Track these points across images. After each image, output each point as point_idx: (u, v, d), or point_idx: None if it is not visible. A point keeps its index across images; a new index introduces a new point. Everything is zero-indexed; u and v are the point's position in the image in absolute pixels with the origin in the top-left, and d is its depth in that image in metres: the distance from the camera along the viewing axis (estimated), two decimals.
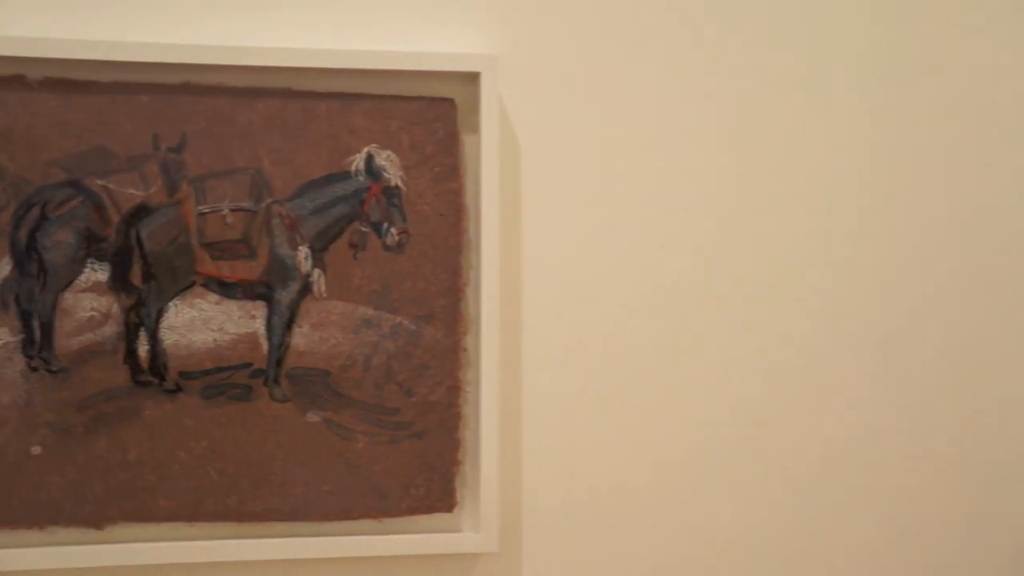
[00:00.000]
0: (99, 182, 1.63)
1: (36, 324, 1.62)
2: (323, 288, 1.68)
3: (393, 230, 1.69)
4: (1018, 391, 1.81)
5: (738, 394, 1.77)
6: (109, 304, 1.64)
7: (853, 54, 1.79)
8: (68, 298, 1.63)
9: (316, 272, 1.67)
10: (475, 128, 1.71)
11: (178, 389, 1.66)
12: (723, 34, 1.77)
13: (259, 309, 1.67)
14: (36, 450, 1.64)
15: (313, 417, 1.68)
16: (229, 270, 1.65)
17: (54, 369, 1.63)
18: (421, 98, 1.70)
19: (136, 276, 1.64)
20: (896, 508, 1.80)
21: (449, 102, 1.71)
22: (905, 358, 1.79)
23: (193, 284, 1.65)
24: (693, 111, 1.76)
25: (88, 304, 1.63)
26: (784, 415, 1.78)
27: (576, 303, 1.75)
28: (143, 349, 1.65)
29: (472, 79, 1.70)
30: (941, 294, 1.80)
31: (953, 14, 1.80)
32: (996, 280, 1.80)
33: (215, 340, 1.66)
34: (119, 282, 1.63)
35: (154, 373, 1.65)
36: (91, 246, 1.63)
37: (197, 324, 1.66)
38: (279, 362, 1.67)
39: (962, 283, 1.80)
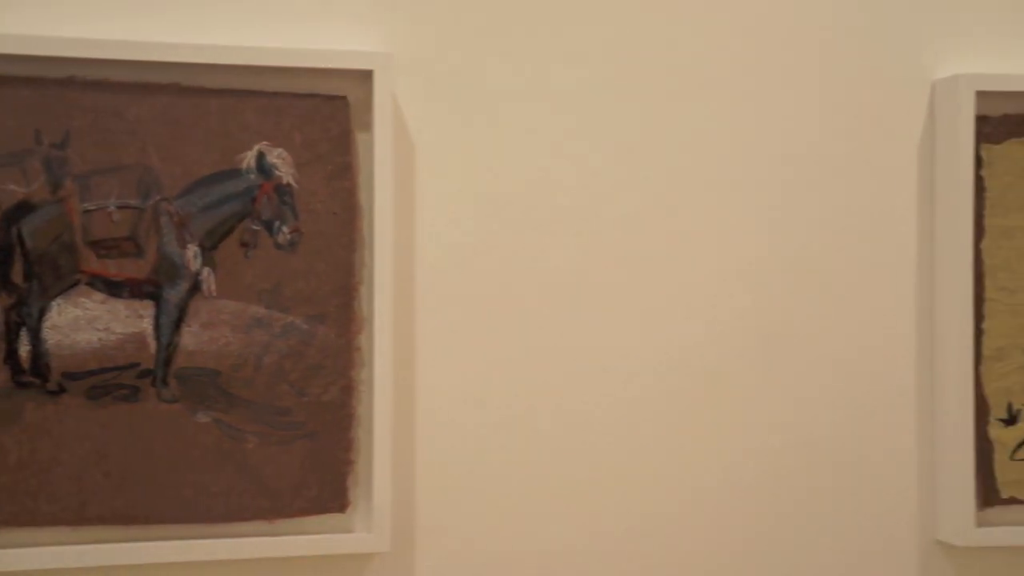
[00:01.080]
0: None
1: None
2: (213, 287, 1.62)
3: (285, 228, 1.64)
4: (894, 385, 1.80)
5: (627, 391, 1.76)
6: None
7: (738, 57, 1.77)
8: None
9: (206, 271, 1.62)
10: (369, 126, 1.67)
11: (61, 390, 1.59)
12: (616, 31, 1.75)
13: (147, 308, 1.61)
14: None
15: (202, 418, 1.63)
16: (116, 268, 1.59)
17: None
18: (314, 95, 1.65)
19: (17, 274, 1.57)
20: (777, 500, 1.79)
21: (342, 100, 1.66)
22: (786, 354, 1.78)
23: (78, 283, 1.58)
24: (586, 109, 1.74)
25: None
26: (669, 413, 1.77)
27: (470, 302, 1.72)
28: (24, 349, 1.58)
29: (366, 77, 1.66)
30: (823, 293, 1.79)
31: (829, 21, 1.78)
32: (875, 279, 1.80)
33: (100, 340, 1.59)
34: None
35: (36, 374, 1.58)
36: None
37: (82, 323, 1.59)
38: (167, 362, 1.61)
39: (843, 282, 1.80)
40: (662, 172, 1.76)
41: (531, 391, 1.73)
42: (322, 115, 1.65)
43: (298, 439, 1.65)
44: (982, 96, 1.76)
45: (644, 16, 1.75)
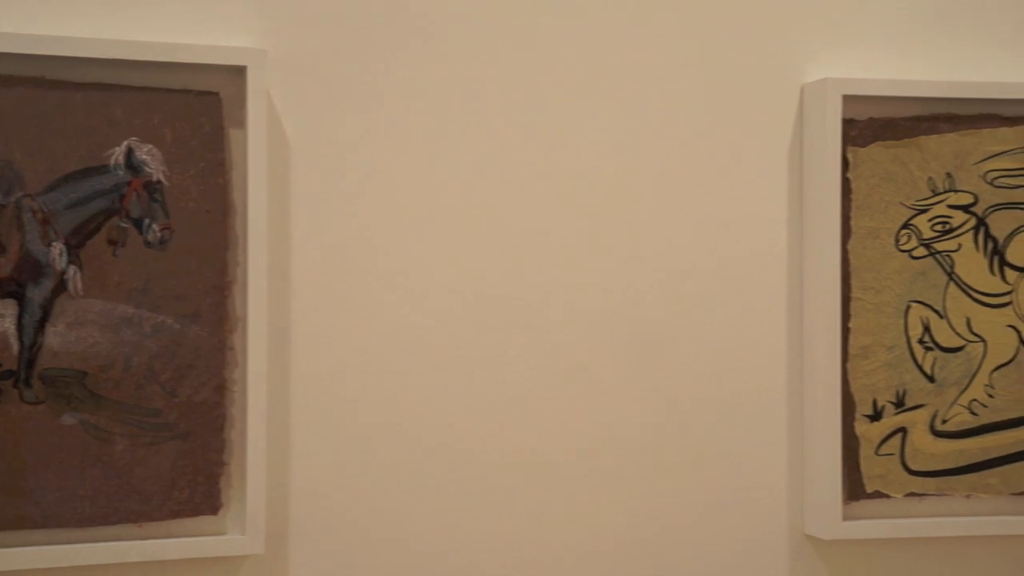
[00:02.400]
0: None
1: None
2: (80, 286, 1.55)
3: (155, 226, 1.58)
4: (764, 382, 1.80)
5: (502, 391, 1.73)
6: None
7: (613, 58, 1.76)
8: None
9: (72, 269, 1.55)
10: (242, 123, 1.61)
11: None
12: (493, 29, 1.72)
13: (9, 308, 1.53)
14: None
15: (68, 419, 1.55)
16: None
17: None
18: (185, 91, 1.59)
19: None
20: (650, 496, 1.78)
21: (214, 96, 1.60)
22: (658, 352, 1.77)
23: None
24: (462, 107, 1.71)
25: None
26: (543, 411, 1.74)
27: (346, 301, 1.68)
28: None
29: (239, 73, 1.60)
30: (695, 292, 1.78)
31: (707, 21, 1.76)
32: (746, 279, 1.79)
33: None
34: None
35: None
36: None
37: None
38: (31, 363, 1.53)
39: (715, 281, 1.79)
40: (537, 171, 1.73)
41: (406, 391, 1.69)
42: (193, 111, 1.59)
43: (169, 440, 1.59)
44: (849, 100, 1.76)
45: (521, 15, 1.72)
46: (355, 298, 1.68)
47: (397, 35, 1.68)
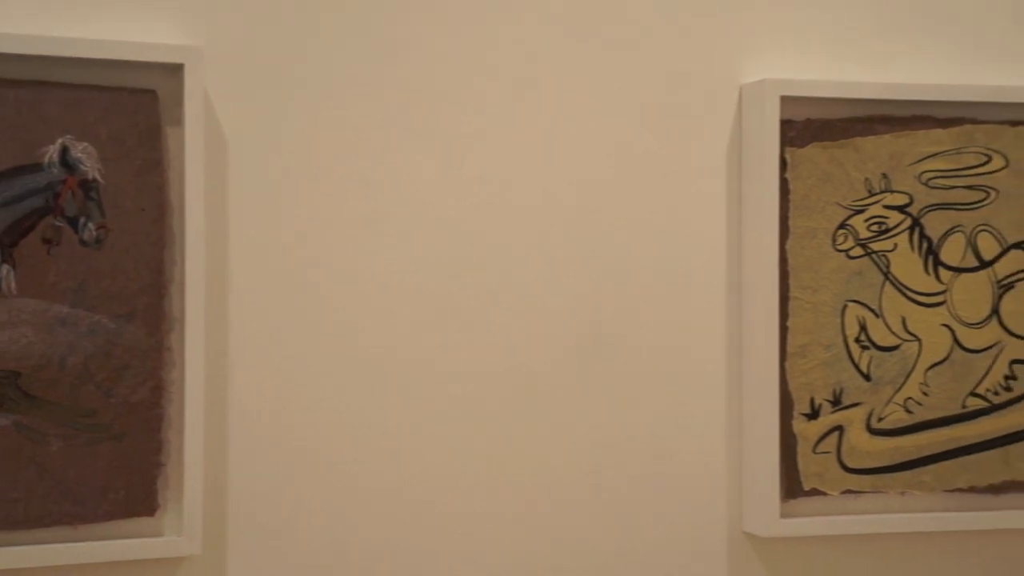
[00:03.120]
0: None
1: None
2: (13, 285, 1.52)
3: (91, 225, 1.54)
4: (704, 381, 1.79)
5: (445, 392, 1.71)
6: None
7: (552, 59, 1.74)
8: None
9: (5, 268, 1.51)
10: (179, 121, 1.58)
11: None
12: (433, 29, 1.70)
13: None
14: None
15: (1, 420, 1.52)
16: None
17: None
18: (121, 89, 1.56)
19: None
20: (591, 495, 1.77)
21: (151, 94, 1.57)
22: (599, 352, 1.76)
23: None
24: (403, 106, 1.69)
25: None
26: (487, 412, 1.73)
27: (285, 301, 1.65)
28: None
29: (175, 71, 1.57)
30: (635, 292, 1.77)
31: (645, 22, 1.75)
32: (686, 278, 1.79)
33: None
34: None
35: None
36: None
37: None
38: None
39: (655, 281, 1.78)
40: (480, 172, 1.72)
41: (347, 392, 1.67)
42: (129, 109, 1.56)
43: (105, 441, 1.56)
44: (787, 101, 1.76)
45: (463, 15, 1.71)
46: (294, 298, 1.65)
47: (336, 32, 1.66)
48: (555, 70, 1.74)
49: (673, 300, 1.78)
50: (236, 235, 1.63)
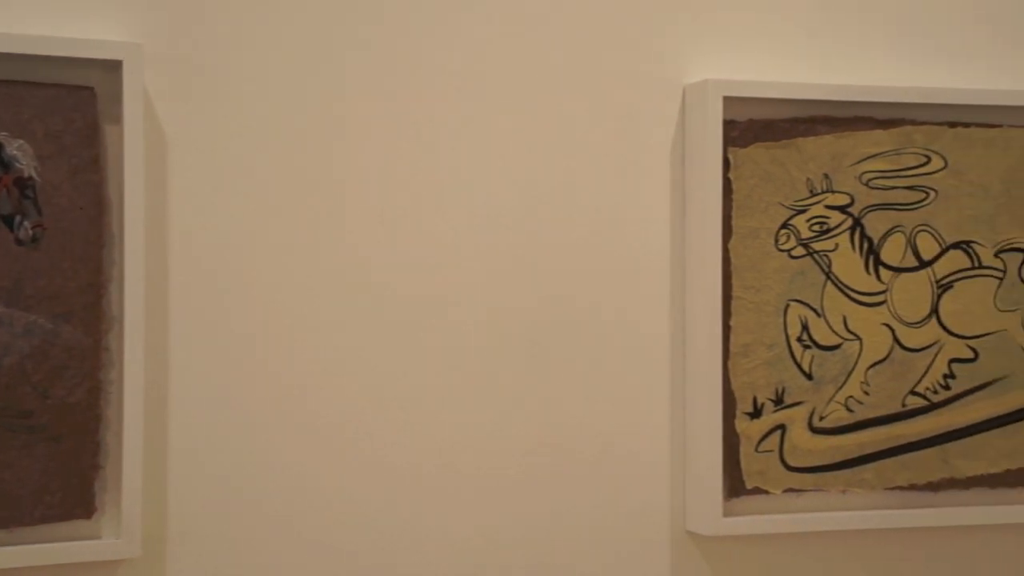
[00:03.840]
0: None
1: None
2: None
3: (27, 224, 1.51)
4: (648, 380, 1.78)
5: (390, 389, 1.69)
6: None
7: (496, 59, 1.73)
8: None
9: None
10: (118, 119, 1.55)
11: None
12: (376, 29, 1.68)
13: None
14: None
15: None
16: None
17: None
18: (58, 85, 1.53)
19: None
20: (535, 493, 1.75)
21: (88, 91, 1.54)
22: (543, 351, 1.75)
23: None
24: (346, 104, 1.67)
25: None
26: (429, 409, 1.71)
27: (226, 300, 1.63)
28: None
29: (114, 67, 1.54)
30: (579, 291, 1.76)
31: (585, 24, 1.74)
32: (630, 278, 1.78)
33: None
34: None
35: None
36: None
37: None
38: None
39: (599, 280, 1.77)
40: (424, 171, 1.70)
41: (288, 392, 1.65)
42: (66, 106, 1.52)
43: (41, 442, 1.52)
44: (730, 101, 1.75)
45: (406, 13, 1.69)
46: (235, 297, 1.63)
47: (276, 30, 1.64)
48: (500, 69, 1.72)
49: (617, 299, 1.77)
50: (176, 234, 1.60)
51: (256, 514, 1.64)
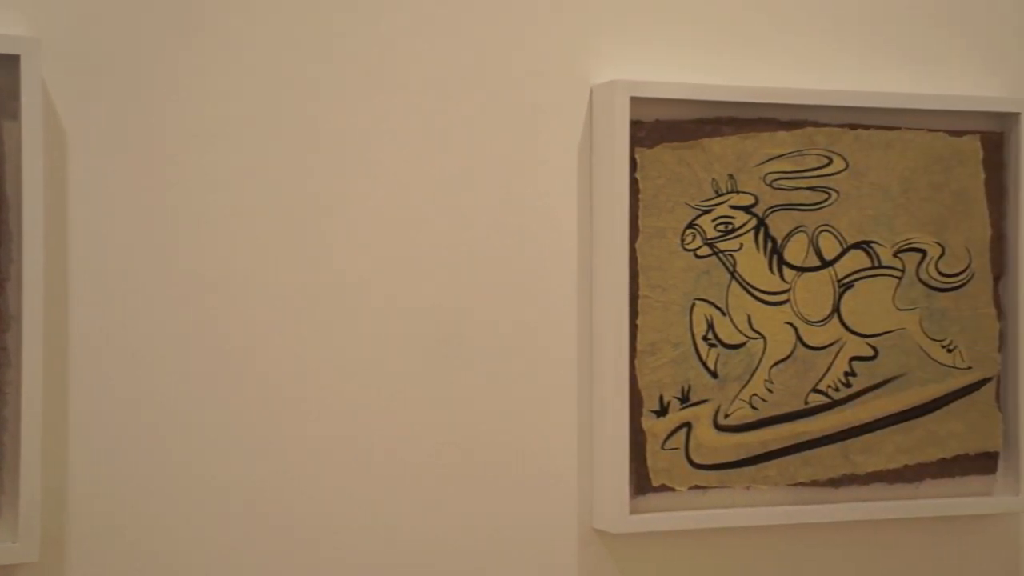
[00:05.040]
0: None
1: None
2: None
3: None
4: (556, 379, 1.77)
5: (296, 390, 1.67)
6: None
7: (404, 56, 1.71)
8: None
9: None
10: (16, 114, 1.51)
11: None
12: (282, 23, 1.65)
13: None
14: None
15: None
16: None
17: None
18: None
19: None
20: (444, 494, 1.74)
21: None
22: (451, 350, 1.73)
23: None
24: (250, 100, 1.64)
25: None
26: (338, 409, 1.69)
27: (127, 300, 1.59)
28: None
29: (11, 62, 1.50)
30: (487, 291, 1.75)
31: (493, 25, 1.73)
32: (538, 277, 1.77)
33: None
34: None
35: None
36: None
37: None
38: None
39: (507, 280, 1.76)
40: (330, 169, 1.67)
41: (192, 392, 1.61)
42: None
43: None
44: (637, 102, 1.75)
45: (308, 10, 1.66)
46: (137, 296, 1.59)
47: (179, 24, 1.60)
48: (407, 68, 1.70)
49: (524, 299, 1.76)
50: (76, 231, 1.56)
51: (158, 517, 1.60)
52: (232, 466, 1.63)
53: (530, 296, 1.76)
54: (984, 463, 1.91)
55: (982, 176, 1.90)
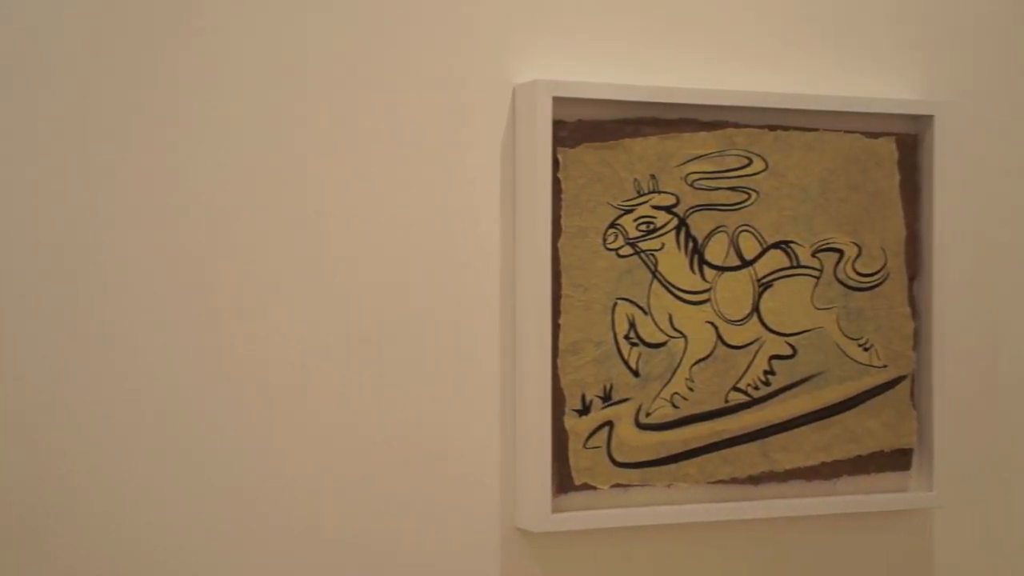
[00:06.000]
0: None
1: None
2: None
3: None
4: (478, 379, 1.76)
5: (216, 391, 1.64)
6: None
7: (320, 55, 1.69)
8: None
9: None
10: None
11: None
12: (192, 16, 1.63)
13: None
14: None
15: None
16: None
17: None
18: None
19: None
20: (367, 494, 1.72)
21: None
22: (375, 350, 1.72)
23: None
24: (164, 99, 1.61)
25: None
26: (259, 410, 1.67)
27: (23, 299, 1.56)
28: None
29: None
30: (411, 290, 1.74)
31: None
32: (461, 277, 1.76)
33: None
34: None
35: None
36: None
37: None
38: None
39: (430, 279, 1.75)
40: (251, 168, 1.65)
41: (101, 393, 1.59)
42: None
43: None
44: (559, 102, 1.75)
45: (226, 12, 1.64)
46: (33, 296, 1.56)
47: (71, 18, 1.57)
48: (328, 69, 1.68)
49: (447, 298, 1.75)
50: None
51: (59, 518, 1.57)
52: (142, 467, 1.60)
53: (453, 296, 1.75)
54: (899, 460, 1.94)
55: (897, 177, 1.93)
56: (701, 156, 1.82)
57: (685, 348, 1.82)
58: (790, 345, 1.87)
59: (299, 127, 1.67)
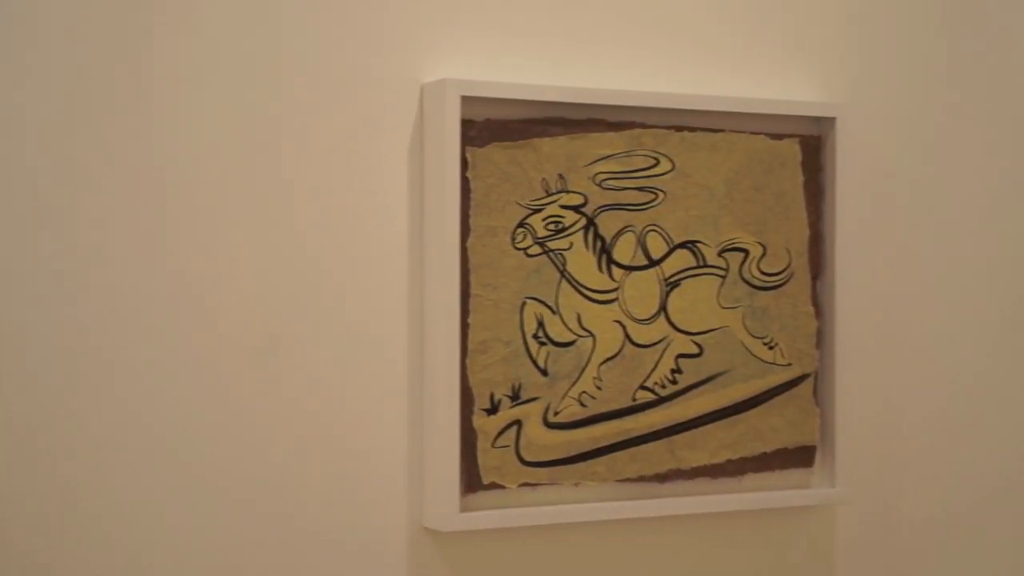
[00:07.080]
0: None
1: None
2: None
3: None
4: (386, 379, 1.76)
5: (129, 390, 1.62)
6: None
7: (234, 53, 1.68)
8: None
9: None
10: None
11: None
12: (109, 18, 1.60)
13: None
14: None
15: None
16: None
17: None
18: None
19: None
20: (273, 494, 1.71)
21: None
22: (282, 350, 1.70)
23: None
24: (73, 96, 1.59)
25: None
26: (164, 410, 1.65)
27: None
28: None
29: None
30: (318, 290, 1.72)
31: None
32: (369, 277, 1.75)
33: None
34: None
35: None
36: None
37: None
38: None
39: (338, 279, 1.73)
40: (154, 167, 1.63)
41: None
42: None
43: None
44: (468, 101, 1.74)
45: (132, 6, 1.61)
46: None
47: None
48: (232, 66, 1.66)
49: (355, 298, 1.73)
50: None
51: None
52: (36, 466, 1.57)
53: (361, 295, 1.74)
54: (802, 456, 1.96)
55: (801, 178, 1.95)
56: (609, 156, 1.83)
57: (593, 347, 1.83)
58: (696, 344, 1.89)
59: (203, 126, 1.65)
